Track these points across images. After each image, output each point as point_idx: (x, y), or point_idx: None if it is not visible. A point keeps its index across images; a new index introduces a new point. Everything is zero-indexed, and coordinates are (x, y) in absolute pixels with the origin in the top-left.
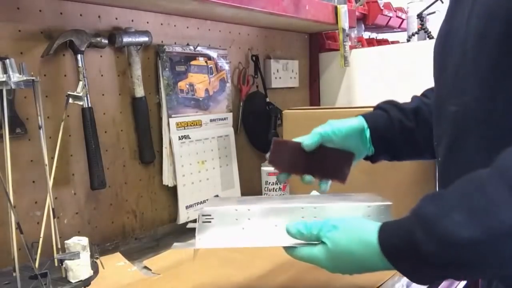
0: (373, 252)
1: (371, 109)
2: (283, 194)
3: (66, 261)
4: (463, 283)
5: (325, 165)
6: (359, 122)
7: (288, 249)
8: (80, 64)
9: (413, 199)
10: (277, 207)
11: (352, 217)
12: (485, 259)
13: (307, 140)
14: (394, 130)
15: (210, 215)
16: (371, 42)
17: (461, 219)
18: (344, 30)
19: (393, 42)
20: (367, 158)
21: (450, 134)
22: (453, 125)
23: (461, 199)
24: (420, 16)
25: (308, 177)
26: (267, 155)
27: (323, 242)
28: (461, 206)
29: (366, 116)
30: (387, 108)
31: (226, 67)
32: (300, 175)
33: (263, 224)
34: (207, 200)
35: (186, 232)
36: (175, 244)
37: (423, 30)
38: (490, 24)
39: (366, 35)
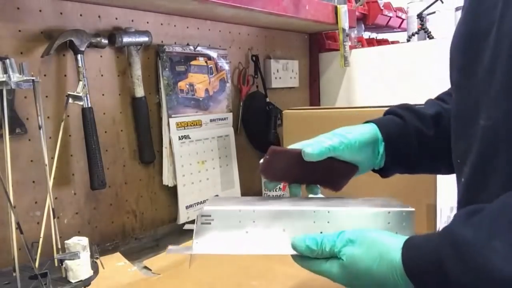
0: (395, 272)
1: (374, 109)
2: (283, 194)
3: (66, 261)
4: None
5: (322, 176)
6: (372, 133)
7: (297, 258)
8: (80, 64)
9: (414, 200)
10: (286, 210)
11: (370, 229)
12: None
13: (311, 150)
14: (411, 141)
15: (210, 216)
16: (371, 42)
17: (504, 251)
18: (344, 30)
19: (393, 42)
20: (375, 170)
21: (479, 152)
22: (482, 142)
23: (506, 225)
24: (420, 16)
25: (296, 190)
26: (261, 161)
27: (338, 258)
28: (505, 235)
29: (379, 125)
30: (403, 114)
31: (226, 67)
32: (288, 184)
33: (270, 228)
34: (207, 200)
35: (186, 233)
36: (169, 247)
37: (423, 30)
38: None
39: (366, 35)
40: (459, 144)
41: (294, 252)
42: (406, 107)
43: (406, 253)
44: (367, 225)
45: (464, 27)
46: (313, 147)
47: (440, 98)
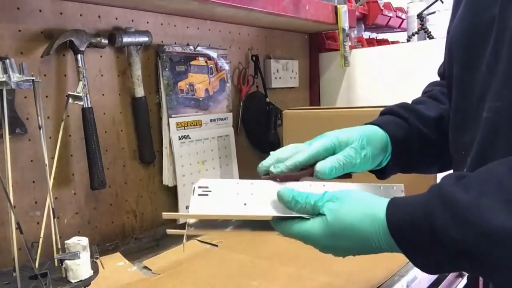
0: (378, 229)
1: (374, 109)
2: None
3: (66, 261)
4: (463, 282)
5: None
6: (382, 142)
7: (277, 223)
8: (80, 64)
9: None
10: (282, 185)
11: (357, 190)
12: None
13: (324, 175)
14: (415, 145)
15: (207, 187)
16: (371, 42)
17: (495, 206)
18: (344, 30)
19: (393, 42)
20: (372, 171)
21: (481, 143)
22: (485, 134)
23: (494, 186)
24: (420, 16)
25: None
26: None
27: (320, 214)
28: (494, 194)
29: (387, 129)
30: (407, 117)
31: (226, 67)
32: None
33: (267, 200)
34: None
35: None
36: (168, 230)
37: (423, 30)
38: None
39: (366, 35)
40: (463, 138)
41: (275, 214)
42: (407, 107)
43: (390, 209)
44: None
45: (465, 23)
46: (326, 168)
47: (434, 97)
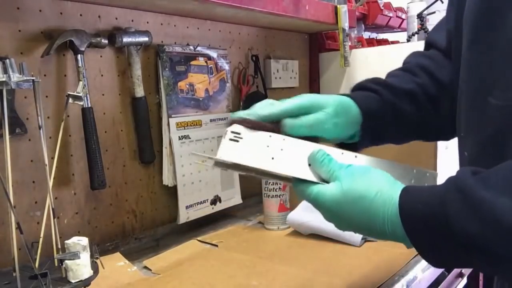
0: (389, 209)
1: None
2: (283, 195)
3: (66, 261)
4: (463, 282)
5: None
6: (351, 112)
7: (297, 184)
8: (80, 64)
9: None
10: (316, 144)
11: (381, 170)
12: None
13: (289, 131)
14: (388, 118)
15: (239, 134)
16: (371, 42)
17: (510, 204)
18: (344, 30)
19: (393, 42)
20: (342, 145)
21: (488, 130)
22: (493, 122)
23: (510, 185)
24: (420, 16)
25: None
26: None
27: (338, 181)
28: (509, 192)
29: (358, 102)
30: (378, 90)
31: (226, 67)
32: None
33: (297, 158)
34: (206, 200)
35: (186, 232)
36: (192, 152)
37: (423, 30)
38: None
39: (366, 35)
40: (466, 119)
41: (302, 177)
42: (377, 81)
43: (403, 195)
44: (391, 174)
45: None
46: (294, 124)
47: (409, 70)
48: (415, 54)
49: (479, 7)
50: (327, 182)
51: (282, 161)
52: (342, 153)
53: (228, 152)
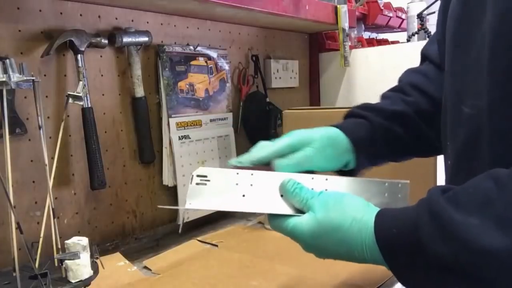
0: (365, 237)
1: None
2: None
3: (66, 261)
4: None
5: None
6: (340, 146)
7: (271, 218)
8: (80, 64)
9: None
10: (285, 174)
11: (350, 194)
12: (499, 272)
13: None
14: (378, 141)
15: (206, 176)
16: (371, 42)
17: (484, 225)
18: (344, 30)
19: (393, 42)
20: (341, 171)
21: (462, 139)
22: (466, 130)
23: (483, 200)
24: (420, 16)
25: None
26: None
27: (312, 212)
28: (483, 208)
29: (346, 132)
30: (366, 115)
31: (226, 67)
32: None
33: (267, 193)
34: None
35: (186, 232)
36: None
37: (423, 30)
38: (505, 19)
39: (366, 35)
40: (445, 128)
41: (279, 212)
42: (366, 106)
43: (378, 220)
44: (364, 195)
45: (457, 9)
46: (282, 164)
47: (400, 89)
48: (408, 72)
49: (459, 14)
50: (302, 211)
51: (253, 198)
52: (313, 178)
53: (197, 198)
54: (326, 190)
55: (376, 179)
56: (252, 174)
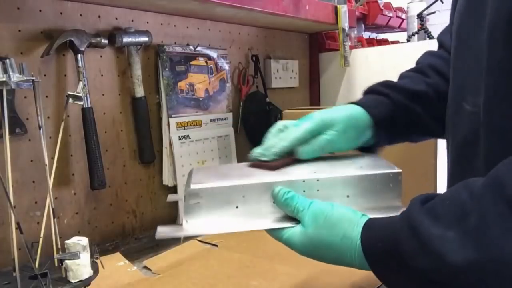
0: (354, 251)
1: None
2: None
3: (66, 261)
4: None
5: None
6: (362, 122)
7: (272, 230)
8: (80, 64)
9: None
10: (276, 181)
11: (337, 206)
12: (474, 284)
13: (306, 155)
14: (399, 118)
15: (198, 194)
16: (371, 42)
17: (458, 239)
18: (344, 30)
19: (393, 42)
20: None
21: (463, 136)
22: (466, 127)
23: (459, 213)
24: (420, 16)
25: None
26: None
27: (303, 227)
28: (459, 222)
29: (368, 108)
30: (388, 93)
31: (226, 67)
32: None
33: (260, 201)
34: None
35: None
36: (158, 230)
37: (423, 30)
38: (498, 19)
39: (366, 35)
40: (448, 123)
41: (278, 227)
42: (388, 84)
43: (365, 233)
44: (356, 191)
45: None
46: (308, 153)
47: (421, 71)
48: (427, 54)
49: (464, 8)
50: (295, 219)
51: (246, 209)
52: (304, 181)
53: (192, 215)
54: (318, 190)
55: (367, 172)
56: (243, 186)
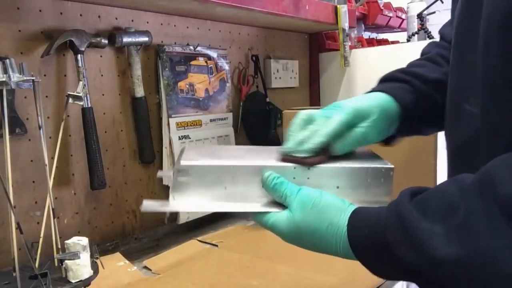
0: (340, 239)
1: None
2: None
3: (66, 261)
4: None
5: None
6: (392, 111)
7: (257, 213)
8: (80, 64)
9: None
10: (266, 165)
11: (326, 194)
12: (458, 282)
13: (340, 151)
14: (422, 106)
15: (187, 171)
16: (371, 42)
17: (445, 233)
18: (344, 30)
19: (393, 42)
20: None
21: (462, 137)
22: (466, 128)
23: (447, 208)
24: (420, 16)
25: None
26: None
27: (290, 212)
28: (446, 216)
29: (396, 96)
30: (407, 79)
31: (226, 67)
32: None
33: (249, 184)
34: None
35: (186, 232)
36: (144, 203)
37: (423, 30)
38: (491, 22)
39: (366, 35)
40: (447, 123)
41: (269, 210)
42: (408, 72)
43: (352, 221)
44: (347, 183)
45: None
46: (344, 150)
47: (433, 60)
48: (432, 45)
49: (462, 7)
50: (282, 204)
51: (234, 191)
52: (295, 168)
53: (180, 192)
54: (308, 179)
55: (359, 165)
56: (233, 167)
